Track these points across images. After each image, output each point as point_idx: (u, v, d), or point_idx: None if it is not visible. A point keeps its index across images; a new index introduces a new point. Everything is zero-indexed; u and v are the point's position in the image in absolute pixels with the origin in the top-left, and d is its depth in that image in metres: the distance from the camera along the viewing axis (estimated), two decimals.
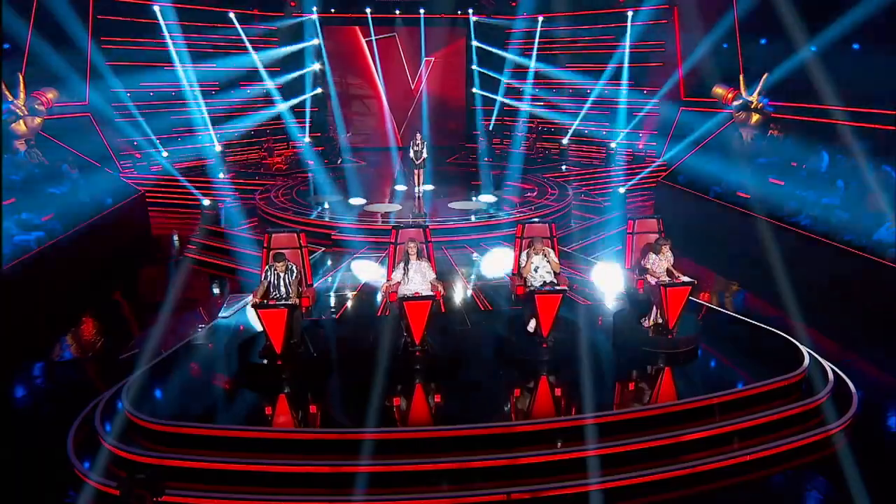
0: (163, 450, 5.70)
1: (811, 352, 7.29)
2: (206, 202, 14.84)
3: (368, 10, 19.45)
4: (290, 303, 6.80)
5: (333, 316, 8.71)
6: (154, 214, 14.63)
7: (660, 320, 7.44)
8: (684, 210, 13.76)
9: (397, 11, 19.76)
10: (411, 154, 14.15)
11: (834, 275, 9.91)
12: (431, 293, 7.02)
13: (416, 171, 14.34)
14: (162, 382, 6.77)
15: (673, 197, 14.44)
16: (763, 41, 14.74)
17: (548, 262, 7.42)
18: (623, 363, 7.24)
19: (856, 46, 12.64)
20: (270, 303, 6.78)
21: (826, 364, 7.20)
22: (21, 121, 13.33)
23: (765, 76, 14.08)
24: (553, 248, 7.68)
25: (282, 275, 7.05)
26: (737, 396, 6.43)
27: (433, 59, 20.68)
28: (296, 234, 7.52)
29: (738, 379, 6.75)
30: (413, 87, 20.96)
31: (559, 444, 5.82)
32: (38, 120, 13.64)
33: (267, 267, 7.18)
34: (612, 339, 7.73)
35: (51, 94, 14.00)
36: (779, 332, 7.77)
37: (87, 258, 11.18)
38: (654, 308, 7.48)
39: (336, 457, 5.68)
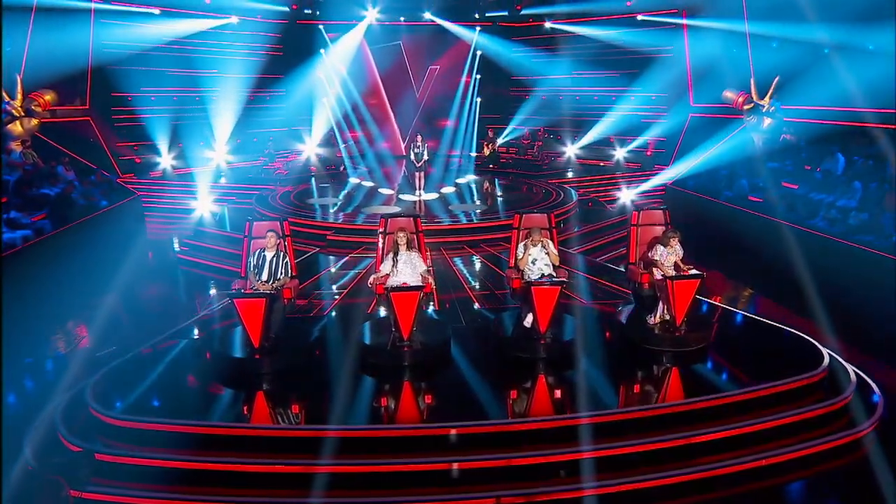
0: (121, 446, 5.26)
1: (831, 353, 6.74)
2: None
3: (374, 18, 19.35)
4: (268, 292, 6.39)
5: (322, 311, 8.30)
6: (150, 218, 14.34)
7: (667, 317, 6.93)
8: (694, 214, 13.27)
9: (402, 18, 19.62)
10: (412, 156, 13.81)
11: (852, 277, 9.37)
12: (421, 284, 6.59)
13: (417, 174, 13.97)
14: (134, 378, 6.34)
15: (682, 201, 13.95)
16: (774, 44, 14.40)
17: (546, 253, 6.98)
18: (626, 362, 6.75)
19: (870, 47, 12.28)
20: (248, 291, 6.38)
21: (848, 366, 6.64)
22: (17, 122, 13.20)
23: (776, 79, 13.70)
24: (552, 240, 7.24)
25: (268, 255, 6.67)
26: (752, 396, 5.89)
27: (437, 66, 20.50)
28: (279, 223, 7.12)
29: (751, 379, 6.18)
30: (417, 96, 20.76)
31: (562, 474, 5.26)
32: (34, 121, 13.50)
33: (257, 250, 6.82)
34: (615, 337, 7.24)
35: (48, 96, 13.87)
36: (795, 330, 7.24)
37: (77, 258, 10.86)
38: (661, 304, 6.98)
39: (316, 456, 5.18)
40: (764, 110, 14.15)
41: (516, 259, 7.11)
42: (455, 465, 5.20)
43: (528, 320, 6.82)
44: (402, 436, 5.50)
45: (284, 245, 7.01)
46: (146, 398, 5.98)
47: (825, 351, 6.69)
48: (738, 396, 5.88)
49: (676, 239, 7.00)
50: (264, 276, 6.71)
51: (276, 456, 5.21)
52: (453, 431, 5.43)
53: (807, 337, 7.07)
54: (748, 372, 6.39)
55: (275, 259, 6.75)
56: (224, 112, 17.96)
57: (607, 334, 7.40)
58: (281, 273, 6.77)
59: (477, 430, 5.47)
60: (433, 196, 14.28)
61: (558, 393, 6.24)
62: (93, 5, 14.73)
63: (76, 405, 5.87)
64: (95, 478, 4.76)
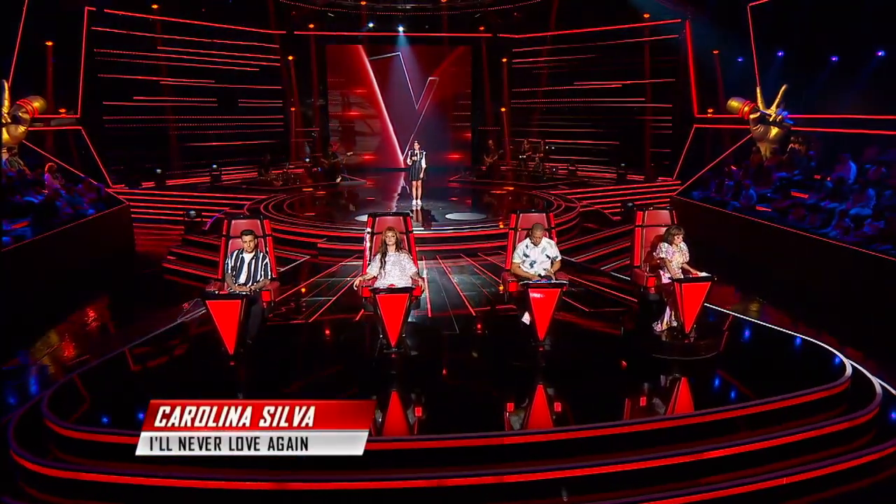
0: (76, 460, 4.78)
1: (854, 364, 6.24)
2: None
3: (373, 29, 19.20)
4: (245, 293, 5.93)
5: (307, 319, 7.83)
6: (139, 230, 13.95)
7: (674, 323, 6.44)
8: (701, 226, 12.83)
9: (400, 29, 19.45)
10: (408, 162, 13.46)
11: (870, 287, 8.90)
12: (410, 286, 6.13)
13: (414, 183, 13.59)
14: (97, 387, 5.89)
15: (688, 212, 13.51)
16: (780, 52, 14.10)
17: (546, 256, 6.53)
18: (631, 371, 6.27)
19: (881, 53, 11.97)
20: (223, 293, 5.92)
21: (873, 378, 6.12)
22: (4, 129, 12.88)
23: (783, 88, 13.35)
24: (552, 241, 6.79)
25: (247, 257, 6.23)
26: (767, 408, 5.39)
27: (437, 78, 20.29)
28: (258, 221, 6.69)
29: (766, 390, 5.65)
30: (417, 107, 20.52)
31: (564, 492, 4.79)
32: (21, 129, 13.18)
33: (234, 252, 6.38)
34: (619, 345, 6.76)
35: (37, 103, 13.58)
36: (813, 339, 6.75)
37: (59, 267, 10.46)
38: (668, 309, 6.50)
39: (292, 472, 4.69)
40: (770, 119, 13.77)
41: (513, 264, 6.65)
42: (448, 482, 4.71)
43: (527, 318, 6.31)
44: (388, 449, 5.01)
45: (265, 245, 6.58)
46: (106, 408, 5.51)
47: (847, 362, 6.19)
48: (752, 409, 5.39)
49: (680, 236, 6.56)
50: (242, 279, 6.26)
51: (244, 472, 4.70)
52: (445, 445, 4.94)
53: (827, 347, 6.58)
54: (763, 383, 5.84)
55: (254, 260, 6.31)
56: (221, 123, 17.73)
57: (611, 342, 6.92)
58: (260, 275, 6.33)
59: (470, 443, 4.99)
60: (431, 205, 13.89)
61: (558, 404, 5.75)
62: (86, 10, 14.53)
63: (33, 415, 5.41)
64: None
